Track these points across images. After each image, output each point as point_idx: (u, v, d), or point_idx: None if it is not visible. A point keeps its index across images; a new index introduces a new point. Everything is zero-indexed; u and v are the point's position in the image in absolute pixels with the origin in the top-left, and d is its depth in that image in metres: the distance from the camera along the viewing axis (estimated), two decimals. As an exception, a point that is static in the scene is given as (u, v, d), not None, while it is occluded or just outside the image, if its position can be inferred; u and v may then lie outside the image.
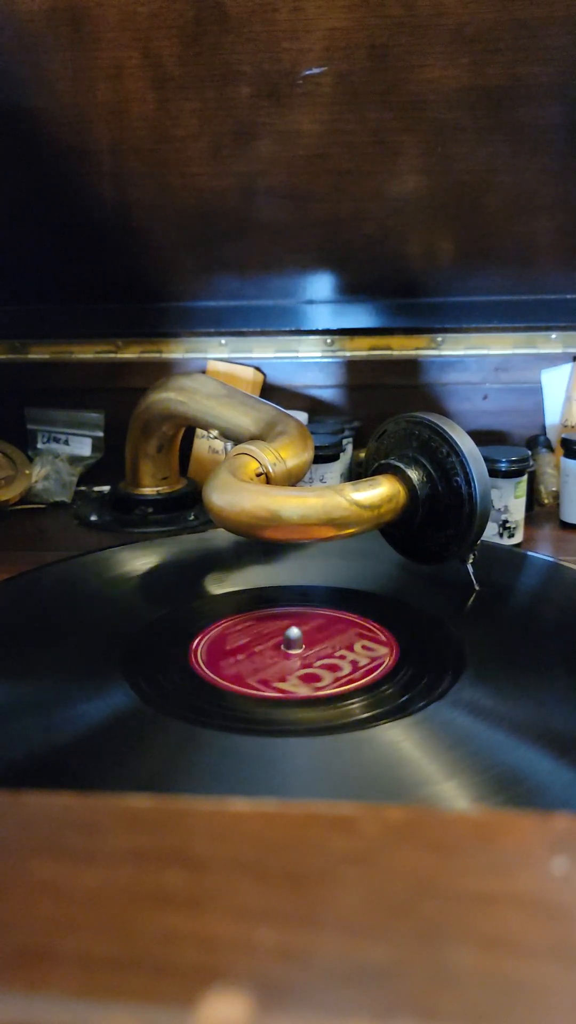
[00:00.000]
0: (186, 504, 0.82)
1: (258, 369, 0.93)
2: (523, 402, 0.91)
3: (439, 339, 0.91)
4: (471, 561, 0.59)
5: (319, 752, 0.43)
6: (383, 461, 0.59)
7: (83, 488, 0.89)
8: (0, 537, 0.79)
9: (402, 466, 0.58)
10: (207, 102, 0.74)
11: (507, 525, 0.72)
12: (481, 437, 0.90)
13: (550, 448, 0.88)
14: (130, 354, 0.95)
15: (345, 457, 0.84)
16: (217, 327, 0.93)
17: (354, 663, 0.50)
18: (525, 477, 0.72)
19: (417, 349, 0.92)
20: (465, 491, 0.56)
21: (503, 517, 0.72)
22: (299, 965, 0.20)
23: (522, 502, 0.72)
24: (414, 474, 0.58)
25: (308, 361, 0.93)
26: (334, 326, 0.92)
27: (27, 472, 0.85)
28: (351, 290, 0.91)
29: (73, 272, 0.92)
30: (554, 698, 0.47)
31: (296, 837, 0.24)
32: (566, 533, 0.77)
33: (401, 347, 0.92)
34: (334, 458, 0.80)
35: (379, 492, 0.56)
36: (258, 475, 0.61)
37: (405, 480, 0.58)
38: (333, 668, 0.50)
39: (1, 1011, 0.19)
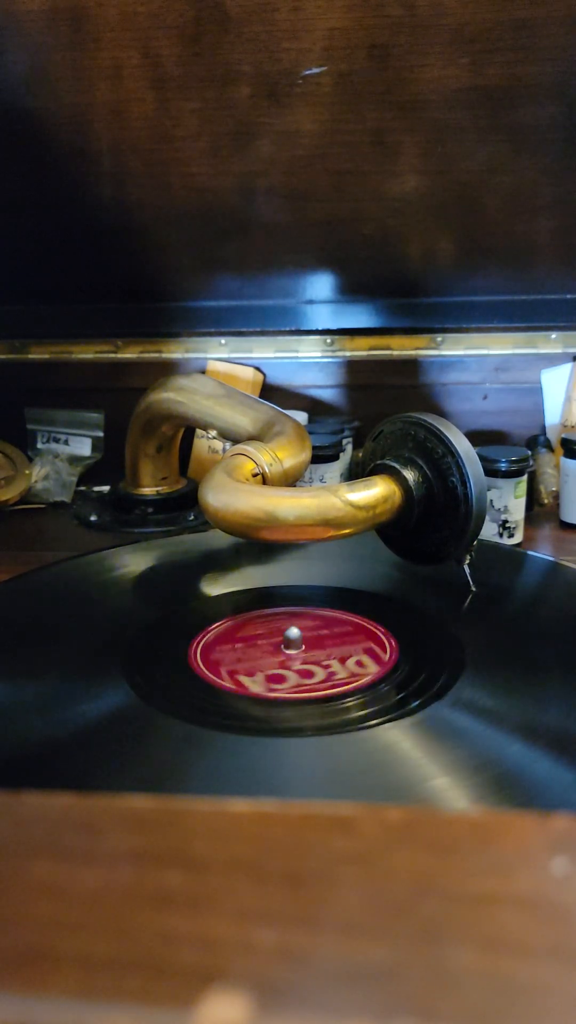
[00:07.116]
0: (186, 504, 0.82)
1: (258, 369, 0.93)
2: (523, 402, 0.91)
3: (439, 339, 0.91)
4: (468, 562, 0.59)
5: (319, 752, 0.43)
6: (379, 461, 0.59)
7: (83, 488, 0.89)
8: (0, 537, 0.79)
9: (398, 466, 0.58)
10: (207, 102, 0.74)
11: (507, 525, 0.72)
12: (481, 437, 0.91)
13: (550, 448, 0.88)
14: (130, 354, 0.95)
15: (345, 457, 0.84)
16: (217, 327, 0.93)
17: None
18: (525, 477, 0.72)
19: (417, 349, 0.92)
20: (461, 492, 0.56)
21: (503, 517, 0.72)
22: (299, 965, 0.20)
23: (522, 502, 0.72)
24: (410, 474, 0.57)
25: (308, 361, 0.93)
26: (334, 326, 0.92)
27: (27, 472, 0.85)
28: (351, 290, 0.91)
29: (73, 272, 0.92)
30: (554, 698, 0.47)
31: (296, 837, 0.24)
32: (566, 533, 0.77)
33: (401, 347, 0.92)
34: (334, 458, 0.80)
35: (374, 493, 0.56)
36: (254, 475, 0.61)
37: (401, 481, 0.57)
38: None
39: (1, 1011, 0.19)
